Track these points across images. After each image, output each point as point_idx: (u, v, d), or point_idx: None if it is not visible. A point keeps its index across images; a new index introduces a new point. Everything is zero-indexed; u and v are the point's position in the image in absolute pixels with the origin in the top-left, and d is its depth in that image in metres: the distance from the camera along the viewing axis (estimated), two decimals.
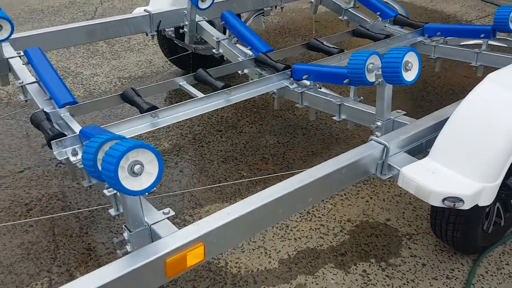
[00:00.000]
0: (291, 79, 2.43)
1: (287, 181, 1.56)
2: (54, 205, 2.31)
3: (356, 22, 3.34)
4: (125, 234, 1.40)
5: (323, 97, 2.28)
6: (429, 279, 1.99)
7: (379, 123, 1.99)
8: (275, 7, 3.58)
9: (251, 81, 2.40)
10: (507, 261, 2.09)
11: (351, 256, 2.08)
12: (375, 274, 2.00)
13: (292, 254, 2.08)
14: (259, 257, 2.07)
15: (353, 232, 2.21)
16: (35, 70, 2.24)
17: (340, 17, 3.46)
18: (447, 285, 1.96)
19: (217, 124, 2.98)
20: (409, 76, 1.84)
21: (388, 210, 2.35)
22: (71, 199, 2.35)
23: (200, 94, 2.26)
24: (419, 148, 1.89)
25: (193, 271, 1.98)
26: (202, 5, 2.77)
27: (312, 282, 1.96)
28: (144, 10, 2.94)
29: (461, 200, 1.62)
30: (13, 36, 2.45)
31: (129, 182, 1.24)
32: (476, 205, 1.71)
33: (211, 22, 3.13)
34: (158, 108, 2.08)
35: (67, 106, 2.06)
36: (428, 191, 1.64)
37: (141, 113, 2.07)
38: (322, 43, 2.78)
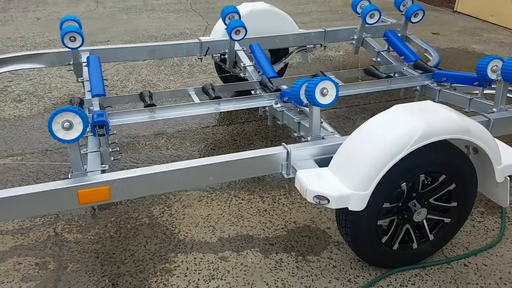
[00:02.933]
0: (278, 99, 2.91)
1: (194, 160, 2.08)
2: None
3: (384, 63, 3.67)
4: (69, 175, 2.05)
5: (292, 115, 2.71)
6: (331, 277, 2.28)
7: (309, 138, 2.39)
8: (320, 45, 4.05)
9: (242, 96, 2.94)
10: (414, 282, 2.26)
11: (277, 247, 2.46)
12: (288, 263, 2.36)
13: (232, 236, 2.53)
14: (205, 233, 2.56)
15: (292, 231, 2.58)
16: (88, 71, 3.08)
17: (374, 59, 3.80)
18: (344, 286, 2.23)
19: (236, 135, 3.54)
20: (326, 100, 2.23)
21: (334, 221, 2.65)
22: None
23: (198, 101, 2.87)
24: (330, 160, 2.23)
25: (152, 230, 2.56)
26: (236, 37, 3.40)
27: (234, 257, 2.39)
28: (197, 39, 3.68)
29: (326, 199, 1.95)
30: (97, 47, 3.41)
31: (62, 134, 1.89)
32: (358, 212, 2.02)
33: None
34: (156, 106, 2.75)
35: (97, 97, 2.83)
36: (305, 188, 2.00)
37: (144, 108, 2.75)
38: (325, 76, 3.20)
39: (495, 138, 2.35)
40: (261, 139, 3.48)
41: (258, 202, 2.81)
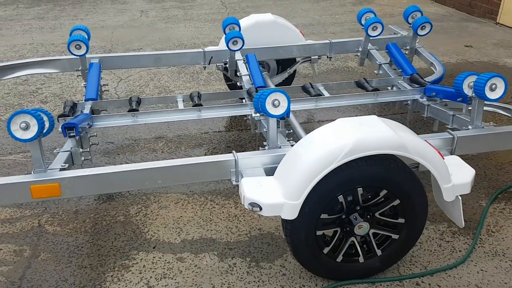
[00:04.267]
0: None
1: (142, 163, 2.21)
2: None
3: (385, 76, 3.63)
4: (33, 171, 2.24)
5: (264, 124, 2.78)
6: (277, 285, 2.31)
7: (266, 147, 2.44)
8: (326, 56, 4.06)
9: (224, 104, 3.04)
10: None
11: (235, 252, 2.53)
12: (240, 268, 2.42)
13: (195, 238, 2.64)
14: (171, 234, 2.68)
15: (254, 237, 2.63)
16: (87, 77, 3.31)
17: (376, 71, 3.77)
18: None
19: (231, 141, 3.65)
20: (278, 110, 2.28)
21: None
22: None
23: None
24: None
25: (123, 228, 2.72)
26: (233, 47, 3.51)
27: (191, 259, 2.49)
28: (201, 48, 3.83)
29: (258, 206, 2.01)
30: (105, 55, 3.64)
31: (20, 134, 2.09)
32: (295, 221, 2.06)
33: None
34: (138, 111, 2.91)
35: (89, 101, 3.05)
36: (243, 195, 2.07)
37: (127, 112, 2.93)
38: (312, 87, 3.23)
39: (454, 156, 2.30)
40: (254, 147, 3.56)
41: (231, 207, 2.89)
